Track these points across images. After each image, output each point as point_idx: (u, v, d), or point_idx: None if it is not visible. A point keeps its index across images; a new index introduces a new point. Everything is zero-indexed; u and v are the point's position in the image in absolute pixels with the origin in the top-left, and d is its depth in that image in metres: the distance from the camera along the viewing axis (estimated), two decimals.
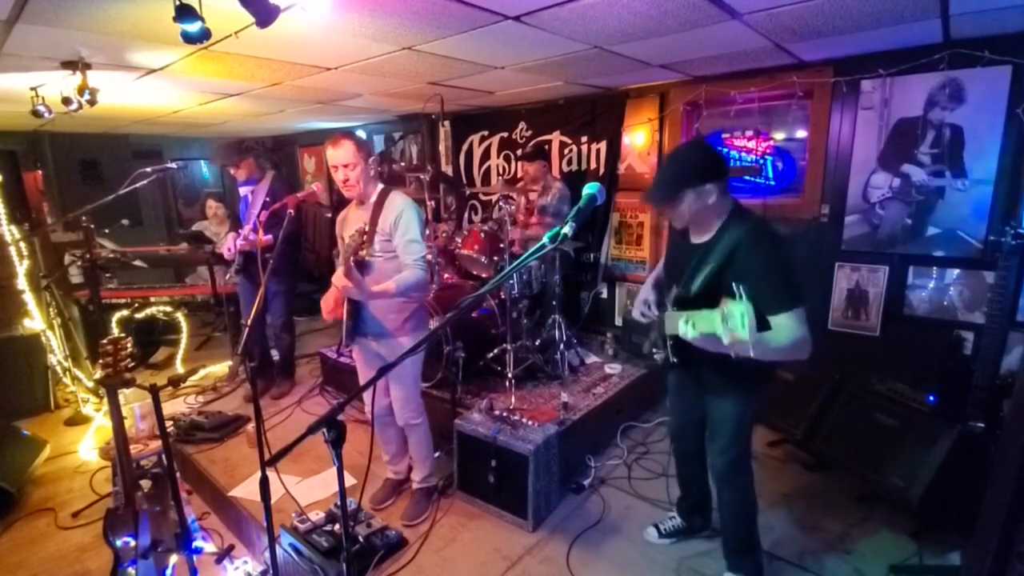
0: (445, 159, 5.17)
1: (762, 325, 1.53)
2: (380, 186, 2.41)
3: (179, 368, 4.56)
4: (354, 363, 2.68)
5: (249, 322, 2.16)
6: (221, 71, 3.06)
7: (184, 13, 1.78)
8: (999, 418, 2.27)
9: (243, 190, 3.76)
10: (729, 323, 1.34)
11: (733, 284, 1.39)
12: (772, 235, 1.70)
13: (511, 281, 3.46)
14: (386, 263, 2.30)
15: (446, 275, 3.86)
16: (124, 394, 2.03)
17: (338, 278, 2.13)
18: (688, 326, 1.48)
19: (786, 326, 1.57)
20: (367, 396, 2.57)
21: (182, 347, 4.65)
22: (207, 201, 5.41)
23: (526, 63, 3.10)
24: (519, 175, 4.79)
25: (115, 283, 4.94)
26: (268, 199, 3.52)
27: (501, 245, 3.53)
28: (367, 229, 2.06)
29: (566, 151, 4.50)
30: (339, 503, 1.55)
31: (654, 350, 2.03)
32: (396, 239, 2.29)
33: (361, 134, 6.07)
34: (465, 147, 5.26)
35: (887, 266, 3.16)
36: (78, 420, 3.80)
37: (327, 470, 2.97)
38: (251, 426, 3.34)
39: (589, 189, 1.47)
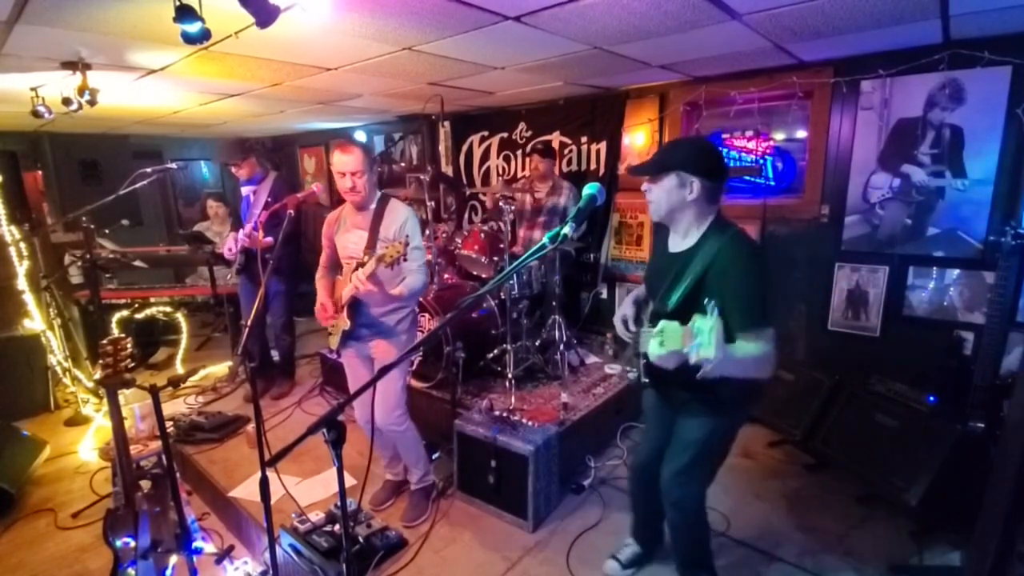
0: (445, 159, 5.17)
1: (730, 340, 1.49)
2: (379, 193, 2.45)
3: (179, 368, 4.56)
4: None
5: (249, 322, 2.16)
6: (221, 71, 3.06)
7: (184, 13, 1.78)
8: (999, 418, 2.26)
9: (245, 190, 3.76)
10: (697, 339, 1.29)
11: (706, 300, 1.33)
12: (751, 250, 1.64)
13: (511, 281, 3.46)
14: (385, 269, 2.32)
15: (446, 275, 3.85)
16: (124, 394, 2.03)
17: (360, 282, 2.13)
18: (656, 342, 1.42)
19: (751, 345, 1.51)
20: (357, 404, 2.54)
21: (182, 347, 4.65)
22: (207, 201, 5.41)
23: (526, 63, 3.10)
24: (520, 174, 4.79)
25: (115, 283, 4.95)
26: (270, 199, 3.52)
27: (501, 245, 3.53)
28: (395, 239, 2.11)
29: (566, 151, 4.50)
30: (339, 503, 1.55)
31: (627, 367, 1.94)
32: None
33: (361, 134, 6.07)
34: (465, 147, 5.26)
35: (887, 266, 3.16)
36: (78, 420, 3.80)
37: (327, 470, 2.97)
38: (251, 426, 3.34)
39: (589, 189, 1.47)
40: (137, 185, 3.32)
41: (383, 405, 2.46)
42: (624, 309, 1.91)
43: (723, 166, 1.68)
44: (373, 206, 2.39)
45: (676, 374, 1.48)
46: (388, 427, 2.49)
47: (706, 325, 1.28)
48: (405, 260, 2.12)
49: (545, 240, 1.38)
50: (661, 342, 1.42)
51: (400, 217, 2.36)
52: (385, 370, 1.40)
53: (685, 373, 1.42)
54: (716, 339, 1.26)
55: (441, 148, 5.04)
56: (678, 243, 1.74)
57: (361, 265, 2.20)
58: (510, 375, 3.25)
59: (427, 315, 3.33)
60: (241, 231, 3.48)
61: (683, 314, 1.51)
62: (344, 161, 2.27)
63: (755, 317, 1.53)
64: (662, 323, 1.45)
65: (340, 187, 2.32)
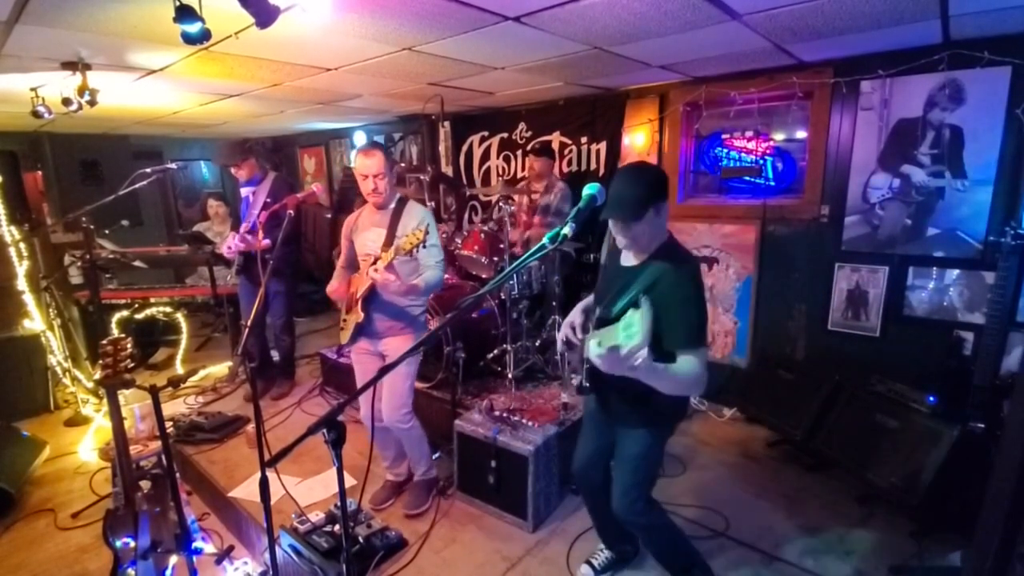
0: (445, 160, 5.17)
1: (668, 358, 1.58)
2: (398, 194, 2.53)
3: (179, 369, 4.56)
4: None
5: (249, 323, 2.16)
6: (221, 72, 3.07)
7: (184, 14, 1.78)
8: (999, 418, 2.27)
9: (244, 191, 3.76)
10: (628, 330, 1.35)
11: (642, 297, 1.40)
12: (695, 273, 1.73)
13: (511, 282, 3.46)
14: (402, 265, 2.36)
15: (446, 276, 3.85)
16: (124, 395, 2.03)
17: (378, 270, 2.18)
18: (595, 343, 1.48)
19: (690, 362, 1.59)
20: (363, 399, 2.57)
21: (182, 348, 4.65)
22: (208, 201, 5.41)
23: (526, 64, 3.10)
24: (520, 174, 4.79)
25: (115, 284, 4.95)
26: (269, 200, 3.52)
27: (501, 246, 3.53)
28: (418, 233, 2.13)
29: (566, 151, 4.50)
30: (339, 504, 1.55)
31: (572, 375, 1.98)
32: None
33: (361, 135, 6.08)
34: (465, 148, 5.26)
35: (887, 267, 3.16)
36: (78, 421, 3.80)
37: (327, 471, 2.97)
38: (251, 427, 3.34)
39: (589, 190, 1.47)
40: (137, 185, 3.33)
41: (390, 402, 2.49)
42: (573, 316, 1.98)
43: (666, 176, 1.76)
44: (392, 206, 2.48)
45: (616, 381, 1.55)
46: (394, 424, 2.52)
47: (636, 315, 1.34)
48: (424, 247, 2.15)
49: (545, 240, 1.38)
50: (599, 342, 1.47)
51: (417, 216, 2.45)
52: (385, 370, 1.41)
53: (624, 381, 1.50)
54: (645, 327, 1.32)
55: (441, 148, 5.04)
56: (630, 259, 1.80)
57: (379, 259, 2.24)
58: (510, 375, 3.25)
59: (427, 315, 3.32)
60: (237, 234, 3.48)
61: None
62: (367, 164, 2.35)
63: (694, 337, 1.63)
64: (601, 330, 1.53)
65: (363, 189, 2.41)
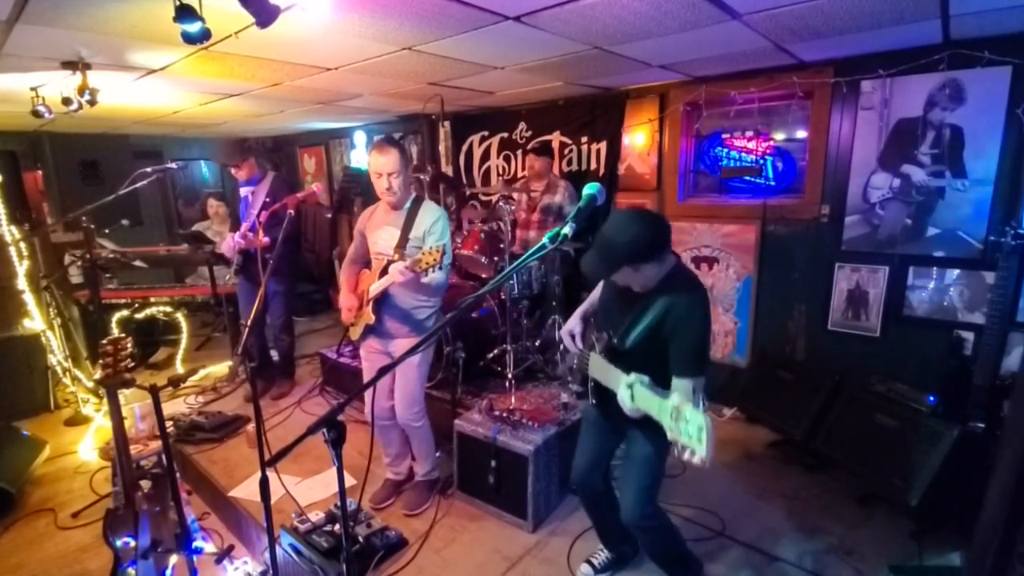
0: (445, 159, 5.17)
1: (666, 382, 1.58)
2: (413, 194, 2.50)
3: (179, 368, 4.56)
4: (354, 363, 2.69)
5: (249, 322, 2.16)
6: (221, 71, 3.07)
7: (184, 13, 1.78)
8: (999, 418, 2.27)
9: (243, 190, 3.76)
10: (683, 428, 1.23)
11: (693, 388, 1.37)
12: (705, 302, 1.71)
13: (511, 281, 3.46)
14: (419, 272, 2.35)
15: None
16: (124, 394, 2.03)
17: (398, 273, 2.19)
18: (628, 394, 1.43)
19: (685, 390, 1.58)
20: (368, 396, 2.58)
21: (182, 347, 4.65)
22: (208, 200, 5.41)
23: (526, 63, 3.10)
24: (520, 174, 4.79)
25: (115, 283, 4.94)
26: (268, 199, 3.52)
27: (501, 245, 3.53)
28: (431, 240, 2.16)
29: (566, 151, 4.50)
30: (339, 503, 1.55)
31: (569, 379, 1.96)
32: (429, 244, 2.36)
33: (361, 135, 6.07)
34: (465, 147, 5.26)
35: (887, 266, 3.16)
36: (78, 420, 3.80)
37: (327, 470, 2.98)
38: (251, 426, 3.34)
39: (589, 189, 1.47)
40: (137, 185, 3.33)
41: (403, 400, 2.52)
42: (571, 324, 1.99)
43: (666, 232, 1.66)
44: (407, 205, 2.45)
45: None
46: (406, 421, 2.55)
47: (696, 419, 1.20)
48: (440, 269, 2.15)
49: (545, 240, 1.38)
50: (632, 396, 1.43)
51: (431, 217, 2.42)
52: (384, 371, 1.41)
53: None
54: (708, 437, 1.18)
55: (441, 148, 5.04)
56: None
57: (392, 262, 2.25)
58: (510, 375, 3.25)
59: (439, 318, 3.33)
60: (237, 233, 3.48)
61: (639, 354, 1.61)
62: (382, 162, 2.31)
63: (696, 367, 1.64)
64: (634, 377, 1.48)
65: (377, 187, 2.37)
